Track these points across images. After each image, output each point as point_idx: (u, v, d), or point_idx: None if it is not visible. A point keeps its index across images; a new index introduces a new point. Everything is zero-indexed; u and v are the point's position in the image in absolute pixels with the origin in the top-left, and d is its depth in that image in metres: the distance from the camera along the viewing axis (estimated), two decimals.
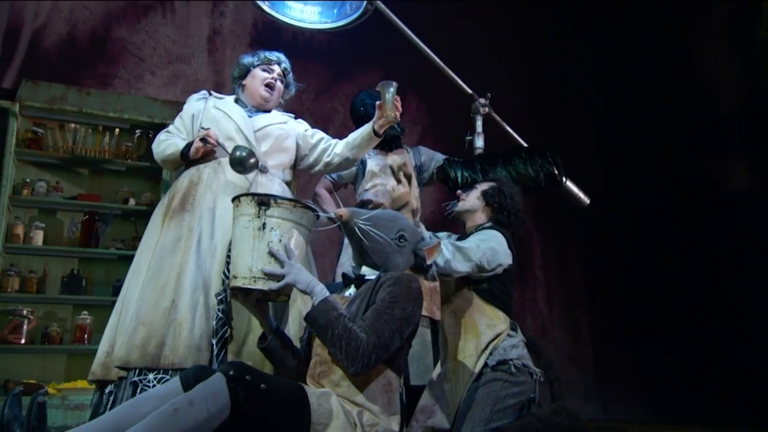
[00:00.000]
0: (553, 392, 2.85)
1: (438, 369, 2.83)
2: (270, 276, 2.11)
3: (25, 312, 4.17)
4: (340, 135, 4.66)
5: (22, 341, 4.12)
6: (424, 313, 3.15)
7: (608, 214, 6.43)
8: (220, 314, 2.57)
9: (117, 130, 4.56)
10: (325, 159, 3.02)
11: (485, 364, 2.62)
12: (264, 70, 3.04)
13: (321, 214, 2.48)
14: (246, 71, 3.07)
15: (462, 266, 2.57)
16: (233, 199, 2.27)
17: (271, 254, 2.11)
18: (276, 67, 3.07)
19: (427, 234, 2.77)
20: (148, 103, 4.61)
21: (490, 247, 2.65)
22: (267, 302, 2.29)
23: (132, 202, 4.49)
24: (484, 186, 2.93)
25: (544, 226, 6.31)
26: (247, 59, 3.10)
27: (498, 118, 3.51)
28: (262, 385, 1.85)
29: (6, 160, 4.15)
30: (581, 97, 6.70)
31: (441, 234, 2.71)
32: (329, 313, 2.03)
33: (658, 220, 6.30)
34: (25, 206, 4.40)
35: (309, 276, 2.14)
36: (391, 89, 2.76)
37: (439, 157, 3.51)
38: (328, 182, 3.57)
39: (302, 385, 2.00)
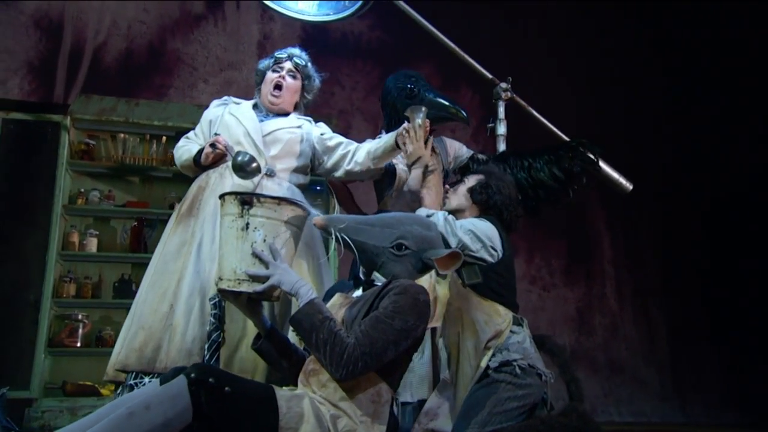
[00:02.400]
0: (570, 394, 2.61)
1: (446, 372, 2.69)
2: (254, 278, 2.05)
3: (80, 316, 4.36)
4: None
5: (78, 344, 4.31)
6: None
7: (686, 200, 6.02)
8: (212, 319, 2.53)
9: (164, 138, 4.69)
10: (346, 167, 2.92)
11: (487, 366, 2.43)
12: (273, 71, 2.97)
13: (312, 211, 2.39)
14: (262, 76, 3.02)
15: (449, 238, 2.41)
16: (219, 197, 2.22)
17: (255, 255, 2.05)
18: (286, 64, 2.96)
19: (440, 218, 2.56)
20: (192, 110, 4.71)
21: (469, 230, 2.47)
22: (259, 303, 2.22)
23: None
24: (471, 181, 2.72)
25: (612, 216, 5.96)
26: (263, 63, 3.04)
27: (522, 102, 3.30)
28: (227, 388, 1.79)
29: (59, 172, 4.36)
30: (653, 81, 6.27)
31: (439, 213, 2.52)
32: (314, 316, 1.95)
33: (744, 206, 5.79)
34: (80, 215, 4.61)
35: (295, 277, 2.06)
36: (421, 114, 2.67)
37: (464, 154, 3.31)
38: None
39: (273, 388, 1.93)
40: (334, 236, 2.07)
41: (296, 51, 3.01)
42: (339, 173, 2.97)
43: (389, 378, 2.00)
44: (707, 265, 5.95)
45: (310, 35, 5.60)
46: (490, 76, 3.30)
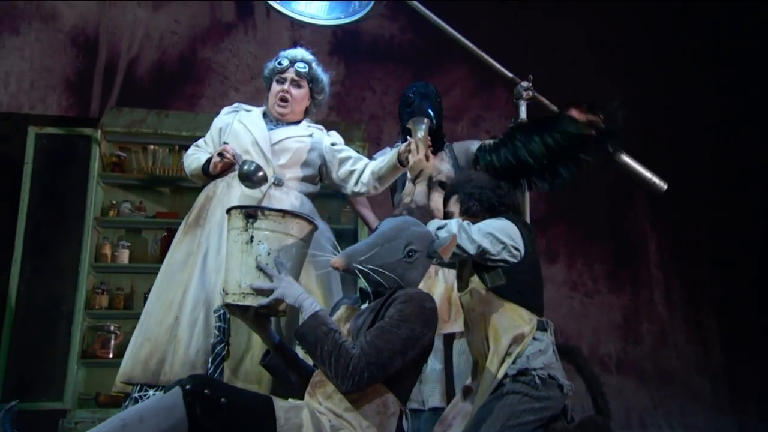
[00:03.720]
0: (597, 409, 2.46)
1: (468, 380, 2.59)
2: (259, 291, 2.06)
3: (112, 328, 4.39)
4: None
5: (110, 356, 4.33)
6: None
7: (739, 200, 5.69)
8: (216, 332, 2.52)
9: None
10: (352, 187, 2.90)
11: (505, 374, 2.30)
12: (278, 81, 2.94)
13: (320, 224, 2.38)
14: (269, 83, 2.99)
15: (467, 245, 2.28)
16: (226, 212, 2.22)
17: (260, 268, 2.06)
18: (288, 74, 2.93)
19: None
20: None
21: (488, 232, 2.34)
22: (267, 318, 2.21)
23: None
24: (455, 206, 2.61)
25: (658, 218, 5.65)
26: (267, 70, 3.00)
27: (545, 101, 3.13)
28: (222, 399, 1.80)
29: (90, 184, 4.40)
30: (702, 79, 5.95)
31: (452, 222, 2.42)
32: (318, 329, 1.94)
33: None
34: (112, 227, 4.65)
35: (299, 289, 2.05)
36: (423, 126, 2.62)
37: (473, 149, 3.26)
38: None
39: (272, 399, 1.93)
40: (358, 271, 2.02)
41: (298, 55, 2.95)
42: (346, 191, 2.96)
43: (396, 389, 1.98)
44: (764, 268, 5.60)
45: (341, 40, 5.54)
46: (510, 75, 3.15)
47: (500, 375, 2.30)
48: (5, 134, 4.89)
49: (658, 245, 5.67)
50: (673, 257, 5.63)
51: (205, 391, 1.79)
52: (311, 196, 2.92)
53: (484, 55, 3.20)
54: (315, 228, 2.25)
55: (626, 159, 3.08)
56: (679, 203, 5.49)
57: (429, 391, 2.98)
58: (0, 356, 4.13)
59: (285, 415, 1.85)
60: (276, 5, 3.14)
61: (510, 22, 5.63)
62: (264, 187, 2.74)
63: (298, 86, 2.92)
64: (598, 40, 5.84)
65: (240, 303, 2.08)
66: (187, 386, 1.79)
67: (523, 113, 3.12)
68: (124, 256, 4.50)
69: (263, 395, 2.03)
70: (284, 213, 2.14)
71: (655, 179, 3.18)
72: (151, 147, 4.67)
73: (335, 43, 5.54)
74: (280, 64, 2.93)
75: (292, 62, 2.93)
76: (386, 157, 2.81)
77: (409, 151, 2.63)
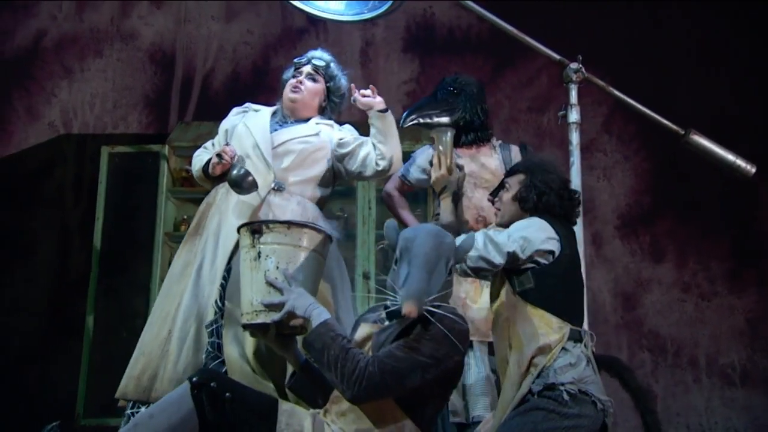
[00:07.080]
0: (647, 428, 2.23)
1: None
2: (270, 307, 2.02)
3: None
4: (507, 131, 4.11)
5: None
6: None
7: None
8: (209, 348, 2.46)
9: None
10: (374, 167, 2.73)
11: (529, 390, 2.06)
12: (293, 77, 2.91)
13: (333, 233, 2.24)
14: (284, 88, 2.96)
15: (495, 257, 2.12)
16: (237, 230, 2.20)
17: (269, 283, 2.03)
18: (305, 68, 2.90)
19: None
20: None
21: (521, 236, 2.16)
22: (291, 337, 2.15)
23: None
24: (514, 185, 2.36)
25: None
26: (286, 74, 3.01)
27: (600, 82, 2.72)
28: (227, 394, 1.84)
29: (159, 200, 4.44)
30: None
31: (478, 236, 2.19)
32: (326, 334, 1.90)
33: None
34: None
35: (308, 300, 1.99)
36: (447, 137, 2.53)
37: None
38: (399, 180, 3.17)
39: (278, 401, 1.97)
40: (430, 313, 1.87)
41: (316, 54, 2.93)
42: (368, 176, 2.79)
43: (416, 415, 1.90)
44: None
45: (414, 35, 5.28)
46: (557, 56, 2.79)
47: (523, 389, 2.08)
48: (91, 155, 5.06)
49: None
50: None
51: (212, 383, 1.83)
52: (320, 201, 2.82)
53: (527, 38, 2.87)
54: (329, 239, 2.16)
55: (701, 140, 2.63)
56: None
57: (473, 402, 2.80)
58: (81, 375, 4.23)
59: (287, 420, 1.86)
60: (298, 4, 2.96)
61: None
62: (263, 193, 2.65)
63: (313, 80, 2.89)
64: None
65: (253, 321, 2.04)
66: (194, 378, 1.85)
67: (573, 98, 2.72)
68: None
69: (270, 396, 2.05)
70: (290, 224, 2.10)
71: (740, 161, 2.73)
72: None
73: (408, 39, 5.28)
74: (297, 60, 2.95)
75: (309, 60, 2.94)
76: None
77: (432, 165, 2.56)
